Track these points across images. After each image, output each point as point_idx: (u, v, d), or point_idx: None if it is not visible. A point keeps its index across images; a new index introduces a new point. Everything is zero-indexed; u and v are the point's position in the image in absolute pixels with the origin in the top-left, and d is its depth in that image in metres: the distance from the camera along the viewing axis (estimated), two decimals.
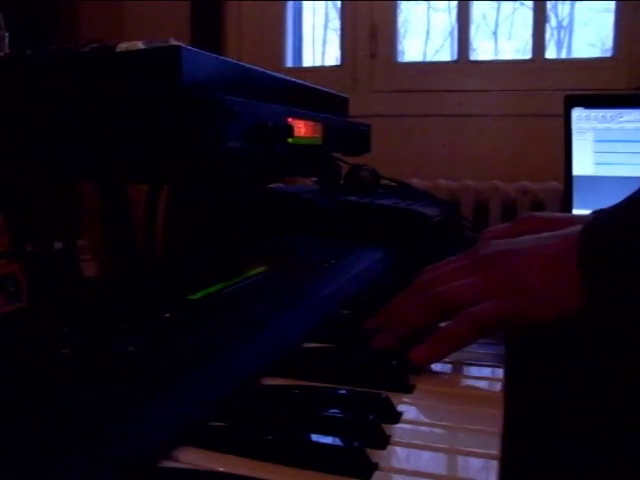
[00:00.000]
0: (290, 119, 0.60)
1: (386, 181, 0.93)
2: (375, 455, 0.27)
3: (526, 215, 0.68)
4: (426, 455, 0.28)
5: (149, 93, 0.48)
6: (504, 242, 0.44)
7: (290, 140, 0.59)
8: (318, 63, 2.09)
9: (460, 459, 0.28)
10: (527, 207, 1.65)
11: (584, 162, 1.08)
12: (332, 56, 2.03)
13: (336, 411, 0.31)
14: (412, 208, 0.74)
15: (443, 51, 1.96)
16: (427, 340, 0.39)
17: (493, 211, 1.67)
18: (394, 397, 0.33)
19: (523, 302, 0.38)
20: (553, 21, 1.88)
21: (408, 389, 0.35)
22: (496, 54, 1.94)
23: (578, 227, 0.41)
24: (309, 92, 0.74)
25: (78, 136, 0.51)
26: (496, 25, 1.94)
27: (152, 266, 0.67)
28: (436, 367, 0.38)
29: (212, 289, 0.45)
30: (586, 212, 1.08)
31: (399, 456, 0.28)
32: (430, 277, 0.44)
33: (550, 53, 1.82)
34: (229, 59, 0.56)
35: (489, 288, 0.40)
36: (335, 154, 0.84)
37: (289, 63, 2.02)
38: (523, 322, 0.39)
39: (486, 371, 0.38)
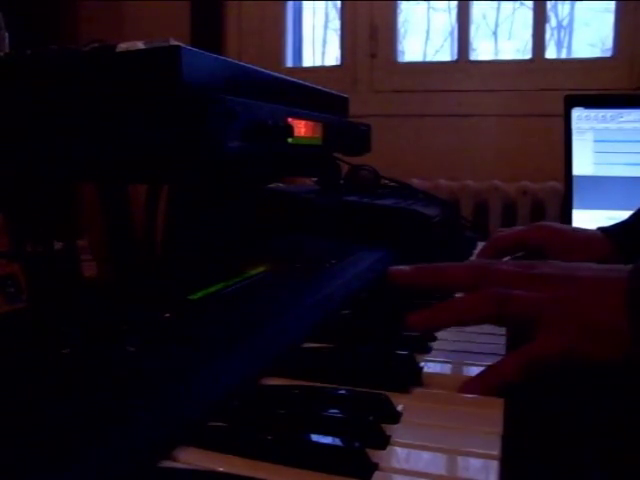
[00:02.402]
0: (290, 119, 0.60)
1: (386, 181, 0.93)
2: (375, 455, 0.27)
3: (539, 224, 0.69)
4: (426, 455, 0.28)
5: (149, 93, 0.48)
6: (565, 265, 0.42)
7: (290, 140, 0.59)
8: (318, 63, 2.09)
9: (460, 459, 0.28)
10: (527, 207, 1.65)
11: (584, 162, 1.08)
12: (332, 56, 2.03)
13: (336, 411, 0.31)
14: (412, 208, 0.74)
15: (443, 51, 1.96)
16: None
17: (493, 211, 1.67)
18: (394, 397, 0.33)
19: (592, 341, 0.36)
20: (553, 21, 1.89)
21: (408, 389, 0.35)
22: (496, 54, 1.94)
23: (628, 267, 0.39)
24: (309, 92, 0.74)
25: (78, 136, 0.51)
26: (496, 25, 1.94)
27: (152, 266, 0.67)
28: (436, 367, 0.38)
29: (212, 289, 0.45)
30: (586, 212, 1.09)
31: (399, 456, 0.28)
32: (489, 270, 0.42)
33: (550, 53, 1.82)
34: (229, 59, 0.56)
35: (554, 312, 0.37)
36: (335, 154, 0.84)
37: (289, 63, 2.02)
38: (586, 361, 0.36)
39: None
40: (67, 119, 0.51)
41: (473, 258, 0.69)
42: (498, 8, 1.92)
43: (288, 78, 0.69)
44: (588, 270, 0.40)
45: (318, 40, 2.11)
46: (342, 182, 0.87)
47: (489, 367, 0.37)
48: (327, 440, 0.28)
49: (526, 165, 1.68)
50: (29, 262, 0.51)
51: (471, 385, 0.36)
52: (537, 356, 0.37)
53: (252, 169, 0.68)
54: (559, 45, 1.91)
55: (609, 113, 1.08)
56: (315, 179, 0.94)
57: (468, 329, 0.44)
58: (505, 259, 0.69)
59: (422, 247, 0.70)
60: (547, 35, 1.79)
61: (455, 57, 1.86)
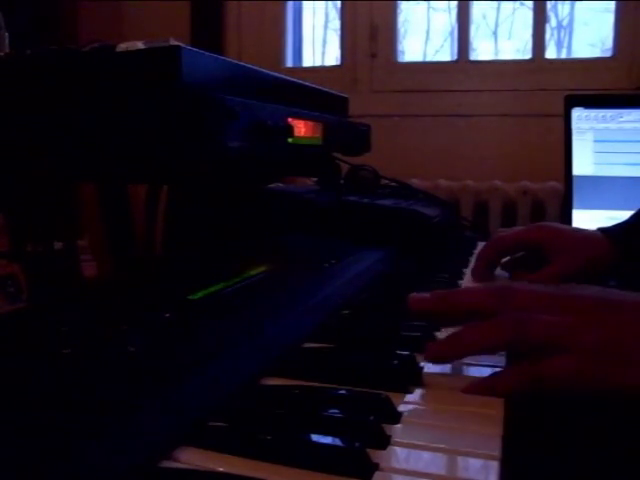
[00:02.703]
0: (290, 119, 0.60)
1: (386, 181, 0.93)
2: (375, 455, 0.27)
3: (539, 224, 0.69)
4: (426, 455, 0.28)
5: (149, 93, 0.48)
6: (598, 289, 0.39)
7: (290, 140, 0.59)
8: (318, 63, 2.09)
9: (460, 459, 0.28)
10: (527, 207, 1.65)
11: (584, 162, 1.08)
12: (332, 56, 2.03)
13: (336, 411, 0.31)
14: (412, 208, 0.74)
15: (443, 51, 1.96)
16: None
17: (493, 211, 1.67)
18: (394, 397, 0.33)
19: (630, 370, 0.34)
20: (553, 21, 1.88)
21: (408, 389, 0.35)
22: (496, 54, 1.94)
23: None
24: (309, 92, 0.74)
25: (78, 136, 0.51)
26: (496, 25, 1.94)
27: (152, 266, 0.67)
28: (436, 367, 0.38)
29: (212, 289, 0.45)
30: (586, 212, 1.08)
31: (399, 456, 0.28)
32: (510, 292, 0.39)
33: (550, 53, 1.82)
34: (229, 59, 0.56)
35: (585, 337, 0.35)
36: (335, 154, 0.84)
37: (289, 63, 2.02)
38: (616, 392, 0.34)
39: (486, 371, 0.38)
40: (67, 119, 0.51)
41: (473, 258, 0.69)
42: (498, 8, 1.92)
43: (288, 78, 0.69)
44: (627, 296, 0.37)
45: (318, 40, 2.11)
46: (342, 182, 0.87)
47: (492, 377, 0.36)
48: (327, 440, 0.28)
49: (526, 165, 1.68)
50: (29, 262, 0.51)
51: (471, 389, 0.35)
52: (550, 377, 0.34)
53: (252, 169, 0.68)
54: (559, 45, 1.91)
55: (609, 113, 1.08)
56: (315, 179, 0.94)
57: None
58: (505, 259, 0.69)
59: (422, 247, 0.70)
60: (547, 35, 1.79)
61: (455, 57, 1.86)
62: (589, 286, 0.40)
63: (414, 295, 0.41)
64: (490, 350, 0.38)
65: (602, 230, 0.65)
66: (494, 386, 0.35)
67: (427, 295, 0.41)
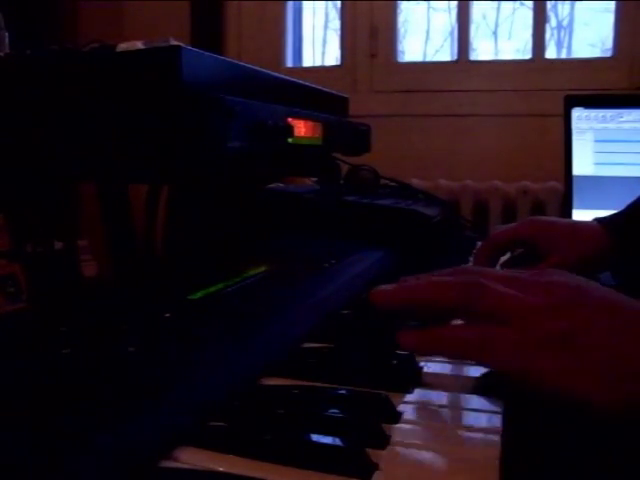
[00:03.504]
0: (290, 119, 0.60)
1: (386, 181, 0.93)
2: (375, 455, 0.27)
3: (531, 218, 0.68)
4: (426, 455, 0.28)
5: (149, 93, 0.48)
6: (579, 280, 0.35)
7: (290, 140, 0.59)
8: (318, 63, 2.09)
9: (460, 459, 0.28)
10: (527, 207, 1.65)
11: (584, 162, 1.08)
12: (332, 56, 2.03)
13: (336, 411, 0.31)
14: (412, 208, 0.74)
15: (443, 51, 1.96)
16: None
17: (493, 211, 1.67)
18: (394, 397, 0.33)
19: (608, 380, 0.30)
20: (553, 21, 1.89)
21: (408, 389, 0.35)
22: (496, 54, 1.94)
23: None
24: (309, 92, 0.74)
25: (78, 136, 0.51)
26: (496, 25, 1.94)
27: (152, 266, 0.67)
28: (436, 367, 0.38)
29: (212, 289, 0.45)
30: (586, 212, 1.09)
31: (399, 456, 0.28)
32: (481, 289, 0.35)
33: (550, 53, 1.82)
34: (229, 59, 0.56)
35: (531, 317, 0.32)
36: (335, 154, 0.84)
37: (289, 63, 2.02)
38: (575, 401, 0.31)
39: (486, 371, 0.38)
40: (67, 119, 0.51)
41: (471, 259, 0.69)
42: (498, 8, 1.92)
43: (288, 78, 0.69)
44: (605, 293, 0.34)
45: (318, 40, 2.11)
46: (342, 182, 0.87)
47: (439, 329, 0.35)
48: (327, 440, 0.28)
49: (526, 165, 1.68)
50: (29, 262, 0.51)
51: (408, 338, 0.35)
52: (486, 340, 0.32)
53: (252, 169, 0.68)
54: (559, 45, 1.91)
55: (609, 113, 1.08)
56: (315, 179, 0.94)
57: None
58: (504, 258, 0.69)
59: (422, 247, 0.70)
60: (547, 35, 1.79)
61: (455, 57, 1.86)
62: (572, 275, 0.36)
63: (378, 289, 0.37)
64: (436, 311, 0.35)
65: (599, 220, 0.64)
66: (439, 336, 0.34)
67: (391, 288, 0.37)
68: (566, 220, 0.73)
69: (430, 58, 1.98)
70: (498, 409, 0.33)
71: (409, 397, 0.34)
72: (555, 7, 1.88)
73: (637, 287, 0.72)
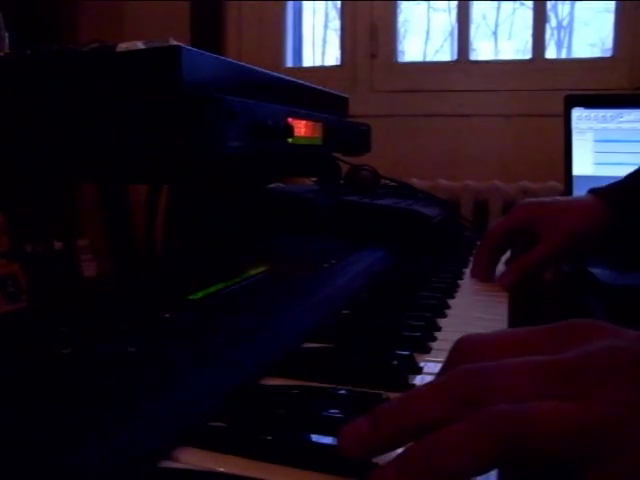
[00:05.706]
0: (290, 119, 0.60)
1: (386, 181, 0.94)
2: None
3: (523, 202, 0.66)
4: None
5: (149, 93, 0.48)
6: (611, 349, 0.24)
7: (290, 140, 0.59)
8: (318, 63, 2.09)
9: None
10: None
11: (584, 162, 1.08)
12: (332, 56, 2.03)
13: (336, 411, 0.31)
14: (412, 208, 0.74)
15: (443, 51, 1.96)
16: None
17: (493, 211, 1.67)
18: (394, 397, 0.33)
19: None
20: (553, 21, 1.88)
21: (408, 389, 0.35)
22: (496, 54, 1.94)
23: None
24: (309, 92, 0.74)
25: (78, 136, 0.51)
26: (496, 25, 1.94)
27: (152, 266, 0.67)
28: (436, 367, 0.38)
29: (212, 289, 0.45)
30: None
31: None
32: (478, 379, 0.24)
33: (550, 53, 1.82)
34: (229, 59, 0.56)
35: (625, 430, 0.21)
36: (335, 154, 0.84)
37: (289, 63, 2.02)
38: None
39: None
40: (67, 119, 0.51)
41: (471, 259, 0.68)
42: (498, 8, 1.92)
43: (288, 78, 0.69)
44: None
45: (318, 40, 2.11)
46: (342, 182, 0.87)
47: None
48: (327, 440, 0.28)
49: (526, 165, 1.68)
50: (29, 262, 0.51)
51: None
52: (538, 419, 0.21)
53: (252, 169, 0.68)
54: (559, 45, 1.91)
55: (609, 113, 1.08)
56: (315, 179, 0.94)
57: (469, 327, 0.44)
58: (506, 256, 0.68)
59: (422, 247, 0.70)
60: (547, 35, 1.79)
61: (455, 57, 1.86)
62: (600, 342, 0.24)
63: (346, 428, 0.25)
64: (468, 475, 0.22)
65: (594, 192, 0.63)
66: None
67: (364, 423, 0.25)
68: (560, 198, 0.71)
69: (430, 58, 1.98)
70: None
71: None
72: (555, 7, 1.88)
73: (635, 256, 0.70)
